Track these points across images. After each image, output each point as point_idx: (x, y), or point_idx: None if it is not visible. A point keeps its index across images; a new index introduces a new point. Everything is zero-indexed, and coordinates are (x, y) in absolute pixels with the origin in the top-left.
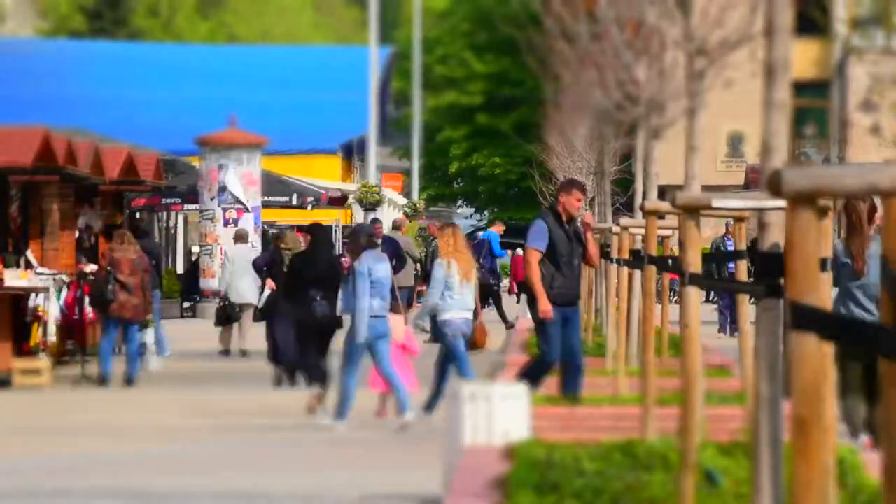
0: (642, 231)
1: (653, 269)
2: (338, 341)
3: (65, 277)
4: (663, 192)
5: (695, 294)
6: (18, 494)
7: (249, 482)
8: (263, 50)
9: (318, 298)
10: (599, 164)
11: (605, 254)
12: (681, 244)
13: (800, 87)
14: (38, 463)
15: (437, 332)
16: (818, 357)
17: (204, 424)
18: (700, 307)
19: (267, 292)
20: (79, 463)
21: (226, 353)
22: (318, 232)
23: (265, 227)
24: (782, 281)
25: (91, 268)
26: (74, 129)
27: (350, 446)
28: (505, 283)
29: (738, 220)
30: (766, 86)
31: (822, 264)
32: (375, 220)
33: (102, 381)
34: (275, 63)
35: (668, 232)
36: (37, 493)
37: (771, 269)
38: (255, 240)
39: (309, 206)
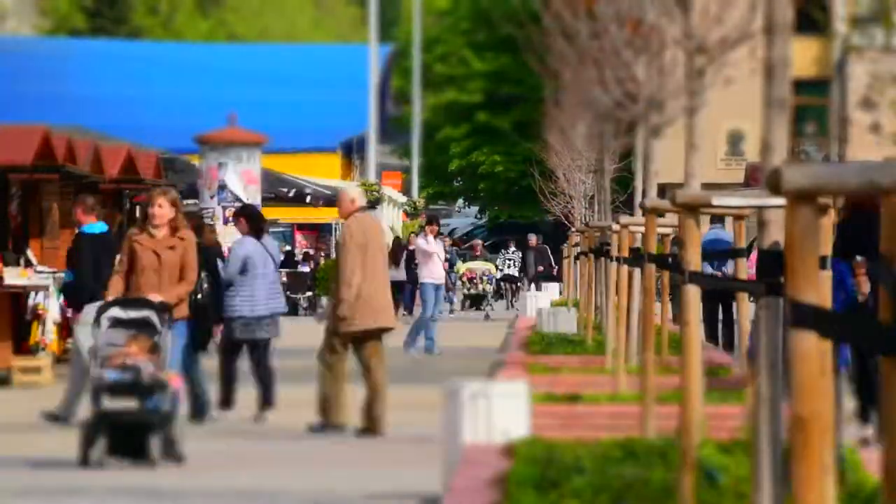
0: (642, 229)
1: (652, 267)
2: None
3: (64, 276)
4: (663, 190)
5: (695, 292)
6: (20, 492)
7: (250, 481)
8: (263, 48)
9: None
10: (599, 162)
11: (604, 252)
12: (681, 242)
13: (800, 86)
14: (40, 461)
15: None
16: (818, 355)
17: (204, 423)
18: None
19: None
20: None
21: None
22: None
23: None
24: (782, 279)
25: None
26: (74, 127)
27: (350, 445)
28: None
29: (738, 218)
30: (766, 84)
31: (822, 262)
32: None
33: None
34: (274, 61)
35: (667, 230)
36: (38, 490)
37: (771, 268)
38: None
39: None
